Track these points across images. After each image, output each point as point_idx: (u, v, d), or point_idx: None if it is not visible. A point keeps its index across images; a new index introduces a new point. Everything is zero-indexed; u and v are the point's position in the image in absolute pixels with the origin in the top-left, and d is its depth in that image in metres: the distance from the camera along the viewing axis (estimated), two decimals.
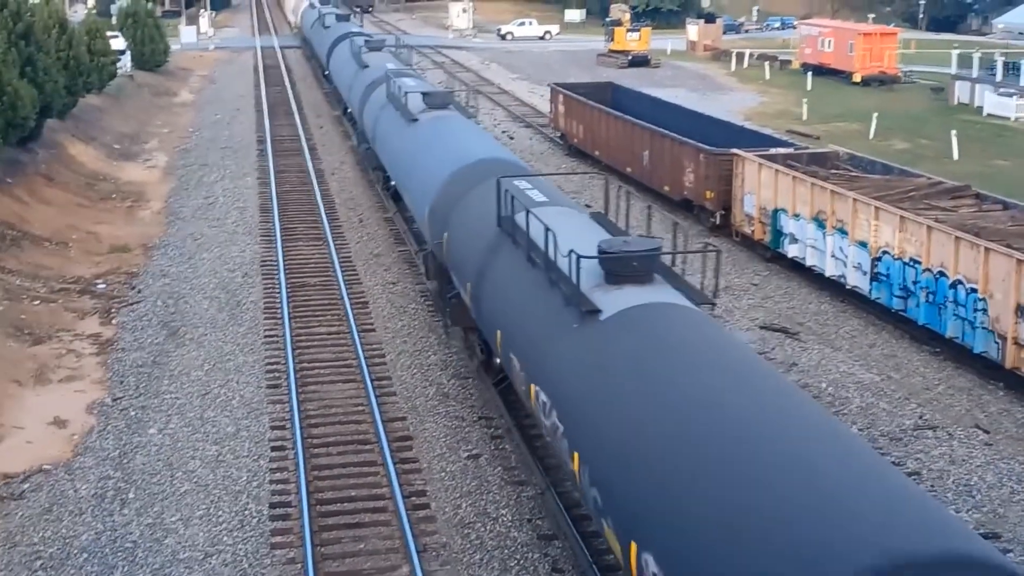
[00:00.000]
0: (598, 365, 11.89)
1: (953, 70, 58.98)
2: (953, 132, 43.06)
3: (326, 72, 54.04)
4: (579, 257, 12.89)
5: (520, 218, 15.52)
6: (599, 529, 11.40)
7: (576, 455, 11.49)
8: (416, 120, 25.94)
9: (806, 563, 7.86)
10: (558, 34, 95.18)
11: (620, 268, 13.00)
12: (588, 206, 32.33)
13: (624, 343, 11.84)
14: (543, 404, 13.00)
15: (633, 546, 9.54)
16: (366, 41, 43.98)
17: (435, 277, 21.47)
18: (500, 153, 22.04)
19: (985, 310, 19.94)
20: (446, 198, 19.89)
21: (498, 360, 16.62)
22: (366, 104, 33.81)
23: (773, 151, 28.91)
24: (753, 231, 27.88)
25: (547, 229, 13.89)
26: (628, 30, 73.55)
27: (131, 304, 24.46)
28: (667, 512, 9.29)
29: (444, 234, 19.48)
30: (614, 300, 12.59)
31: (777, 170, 26.71)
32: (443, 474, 16.70)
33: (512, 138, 43.63)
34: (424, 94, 27.57)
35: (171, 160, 41.08)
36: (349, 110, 41.52)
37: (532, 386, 13.52)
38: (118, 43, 56.69)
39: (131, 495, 16.13)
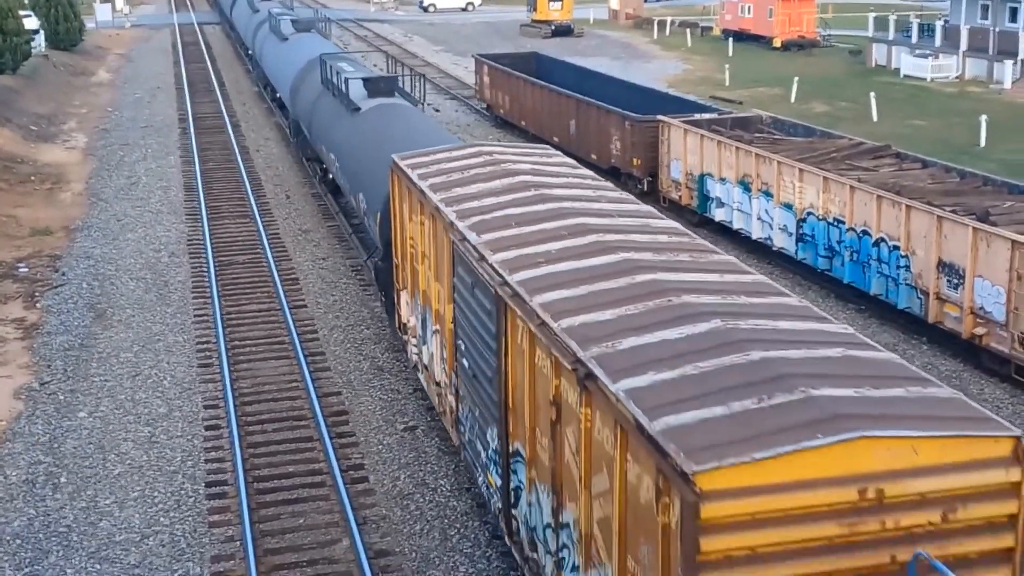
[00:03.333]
0: (355, 132, 23.66)
1: (870, 33, 59.86)
2: (872, 94, 43.74)
3: (231, 22, 67.13)
4: (347, 79, 24.97)
5: (332, 77, 26.77)
6: (349, 199, 24.81)
7: (342, 173, 24.20)
8: (287, 39, 39.09)
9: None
10: (480, 5, 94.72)
11: (373, 87, 24.81)
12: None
13: (369, 121, 23.44)
14: (332, 159, 25.51)
15: (360, 195, 21.62)
16: None
17: (295, 135, 33.61)
18: (335, 51, 34.83)
19: (908, 267, 20.37)
20: (298, 80, 32.30)
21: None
22: (256, 36, 46.92)
23: (698, 117, 29.13)
24: (680, 196, 28.13)
25: (338, 73, 26.15)
26: (550, 0, 73.41)
27: (55, 287, 24.03)
28: (364, 178, 21.43)
29: (296, 102, 31.78)
30: (369, 103, 24.22)
31: (702, 135, 26.95)
32: (380, 447, 16.71)
33: (438, 111, 43.44)
34: (294, 21, 41.75)
35: (91, 141, 40.32)
36: (251, 52, 51.20)
37: (329, 153, 25.90)
38: (31, 22, 55.42)
39: (63, 479, 15.92)
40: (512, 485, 12.16)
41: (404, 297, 17.94)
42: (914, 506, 8.16)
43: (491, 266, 12.17)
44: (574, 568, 10.26)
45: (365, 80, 25.02)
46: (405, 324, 18.07)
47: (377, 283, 20.81)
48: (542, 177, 15.42)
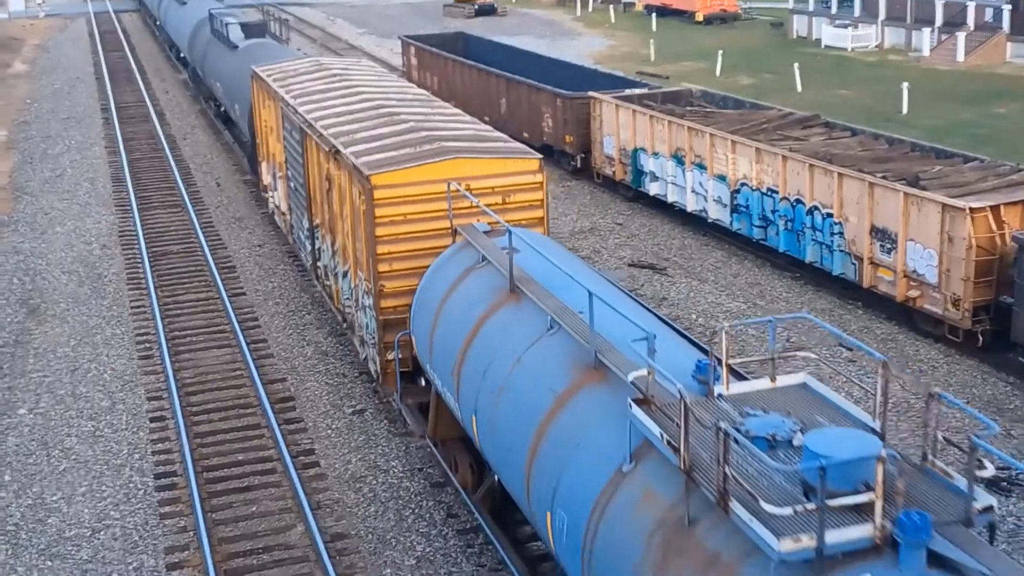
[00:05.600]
0: (234, 63, 31.11)
1: (790, 5, 60.55)
2: (795, 65, 44.29)
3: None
4: (227, 24, 33.40)
5: (217, 26, 35.07)
6: (230, 112, 32.61)
7: (225, 95, 32.64)
8: (185, 3, 48.94)
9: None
10: None
11: (248, 30, 33.53)
12: None
13: (244, 54, 30.86)
14: (218, 87, 34.05)
15: (236, 105, 30.48)
16: None
17: (194, 80, 43.12)
18: (225, 9, 41.41)
19: (841, 233, 20.72)
20: (193, 34, 40.92)
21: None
22: (161, 5, 57.25)
23: (628, 92, 29.27)
24: (614, 172, 28.30)
25: (221, 22, 34.27)
26: None
27: None
28: (238, 93, 29.39)
29: (193, 51, 40.12)
30: (245, 42, 32.47)
31: (634, 110, 27.11)
32: (330, 431, 16.66)
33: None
34: None
35: (11, 134, 39.42)
36: (158, 22, 60.21)
37: (216, 83, 34.30)
38: None
39: (7, 477, 15.65)
40: (316, 246, 19.62)
41: (263, 166, 25.26)
42: (488, 194, 15.20)
43: (300, 114, 19.59)
44: (340, 272, 17.76)
45: (242, 25, 33.93)
46: (266, 186, 25.18)
47: (251, 168, 28.67)
48: (348, 71, 23.26)
